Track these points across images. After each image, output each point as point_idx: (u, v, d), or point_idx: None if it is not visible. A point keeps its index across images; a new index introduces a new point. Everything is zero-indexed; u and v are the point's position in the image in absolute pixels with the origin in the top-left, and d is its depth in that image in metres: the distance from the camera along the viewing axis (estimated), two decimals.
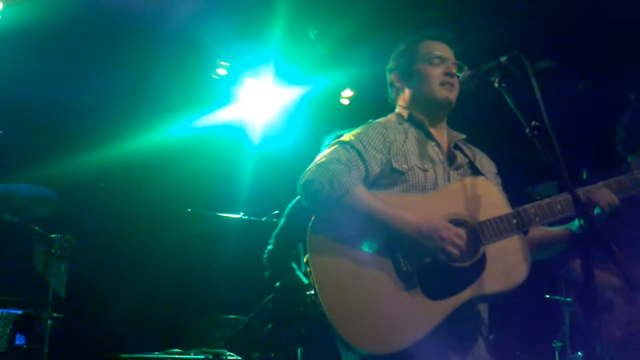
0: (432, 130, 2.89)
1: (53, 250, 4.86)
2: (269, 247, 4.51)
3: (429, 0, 5.85)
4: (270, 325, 4.58)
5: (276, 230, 4.53)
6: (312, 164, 2.67)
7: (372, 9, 5.84)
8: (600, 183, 2.77)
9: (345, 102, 7.20)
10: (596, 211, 2.69)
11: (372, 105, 6.82)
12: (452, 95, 2.86)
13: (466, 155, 2.89)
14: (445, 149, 2.88)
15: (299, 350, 4.38)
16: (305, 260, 2.63)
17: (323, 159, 2.66)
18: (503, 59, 2.51)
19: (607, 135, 3.84)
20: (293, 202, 4.52)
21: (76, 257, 5.03)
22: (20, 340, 4.69)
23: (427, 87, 2.88)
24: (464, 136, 2.99)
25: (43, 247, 5.04)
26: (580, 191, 2.66)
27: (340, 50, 6.40)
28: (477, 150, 3.02)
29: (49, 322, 4.66)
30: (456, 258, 2.51)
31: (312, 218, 2.65)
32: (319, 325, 4.12)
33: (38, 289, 4.84)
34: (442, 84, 2.85)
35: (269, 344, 4.55)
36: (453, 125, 3.04)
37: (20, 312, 4.71)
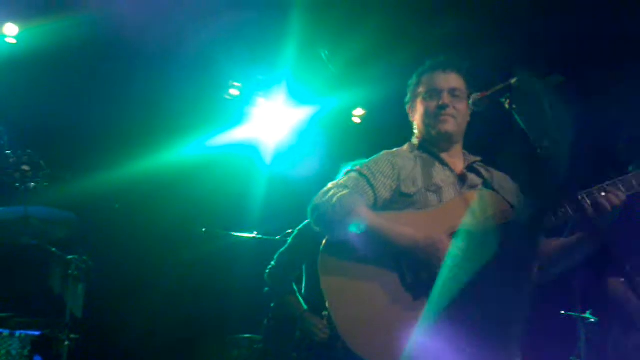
0: (444, 156, 2.95)
1: (70, 272, 4.86)
2: (272, 263, 4.54)
3: (439, 19, 5.86)
4: (261, 345, 4.57)
5: (281, 249, 4.56)
6: (320, 192, 2.79)
7: (383, 29, 5.87)
8: (604, 184, 2.63)
9: (357, 120, 7.24)
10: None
11: (383, 123, 6.85)
12: (447, 126, 2.91)
13: (481, 176, 2.92)
14: (459, 171, 2.92)
15: None
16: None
17: (330, 186, 2.79)
18: (513, 80, 2.53)
19: (614, 152, 3.86)
20: (302, 225, 4.55)
21: (93, 278, 5.06)
22: None
23: (423, 121, 2.98)
24: (478, 158, 3.02)
25: (60, 269, 5.05)
26: (592, 194, 2.58)
27: (352, 70, 6.44)
28: (495, 172, 3.04)
29: (66, 343, 4.66)
30: None
31: (324, 241, 2.73)
32: (311, 353, 4.15)
33: (55, 311, 4.84)
34: (436, 117, 2.92)
35: None
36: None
37: (37, 333, 4.70)
